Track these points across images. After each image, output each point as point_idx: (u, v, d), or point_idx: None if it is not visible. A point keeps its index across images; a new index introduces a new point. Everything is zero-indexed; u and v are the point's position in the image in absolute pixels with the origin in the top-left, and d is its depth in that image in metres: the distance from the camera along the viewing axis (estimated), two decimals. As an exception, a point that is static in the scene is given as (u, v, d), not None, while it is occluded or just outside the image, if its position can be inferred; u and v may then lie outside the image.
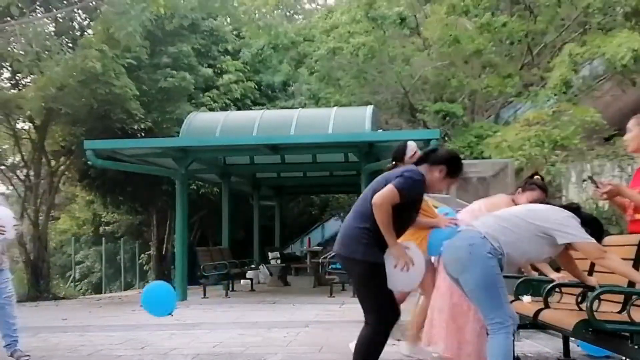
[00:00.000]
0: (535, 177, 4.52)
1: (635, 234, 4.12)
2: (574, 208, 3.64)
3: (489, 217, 3.65)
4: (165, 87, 14.73)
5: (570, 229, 3.39)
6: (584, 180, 7.97)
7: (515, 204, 4.32)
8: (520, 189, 4.47)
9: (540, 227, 3.43)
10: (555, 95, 11.72)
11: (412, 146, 4.84)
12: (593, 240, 3.40)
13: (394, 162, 4.86)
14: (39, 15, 12.07)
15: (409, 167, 3.77)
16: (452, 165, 3.78)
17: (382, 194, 3.55)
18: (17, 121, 15.29)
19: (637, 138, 4.22)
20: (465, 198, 7.06)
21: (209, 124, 13.07)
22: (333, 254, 3.81)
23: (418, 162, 3.83)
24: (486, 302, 3.42)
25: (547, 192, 4.52)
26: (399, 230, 3.70)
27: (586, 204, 7.48)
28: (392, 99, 16.98)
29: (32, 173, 15.18)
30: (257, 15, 11.85)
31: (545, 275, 4.25)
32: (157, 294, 5.64)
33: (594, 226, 3.62)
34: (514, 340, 4.96)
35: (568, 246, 3.49)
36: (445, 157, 3.80)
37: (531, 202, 4.28)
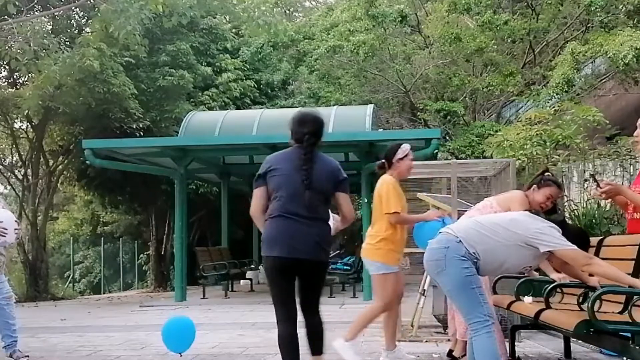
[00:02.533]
0: (547, 173, 4.43)
1: (634, 233, 4.11)
2: (559, 221, 3.67)
3: (469, 222, 3.70)
4: (163, 86, 14.67)
5: (551, 238, 3.44)
6: (586, 180, 7.91)
7: (530, 201, 4.28)
8: (535, 185, 4.34)
9: (521, 237, 3.47)
10: (557, 94, 11.67)
11: (404, 148, 4.99)
12: (575, 247, 3.44)
13: (383, 162, 5.05)
14: (36, 13, 11.99)
15: (336, 165, 3.92)
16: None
17: (350, 208, 3.98)
18: (15, 120, 15.24)
19: None
20: (467, 198, 7.01)
21: (208, 123, 13.01)
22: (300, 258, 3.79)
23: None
24: (463, 303, 3.50)
25: (562, 189, 4.48)
26: None
27: (587, 204, 7.42)
28: (392, 98, 16.94)
29: (30, 173, 15.13)
30: (256, 13, 11.74)
31: (547, 276, 4.21)
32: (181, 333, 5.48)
33: (580, 239, 3.65)
34: (514, 341, 4.97)
35: (550, 255, 3.50)
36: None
37: (548, 197, 4.24)
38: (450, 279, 3.47)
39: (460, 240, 3.48)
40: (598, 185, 4.15)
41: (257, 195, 3.80)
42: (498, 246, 3.48)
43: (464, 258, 3.43)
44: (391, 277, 4.85)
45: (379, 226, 4.87)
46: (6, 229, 5.21)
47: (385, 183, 4.90)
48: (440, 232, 3.69)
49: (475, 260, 3.46)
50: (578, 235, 3.70)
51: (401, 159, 4.93)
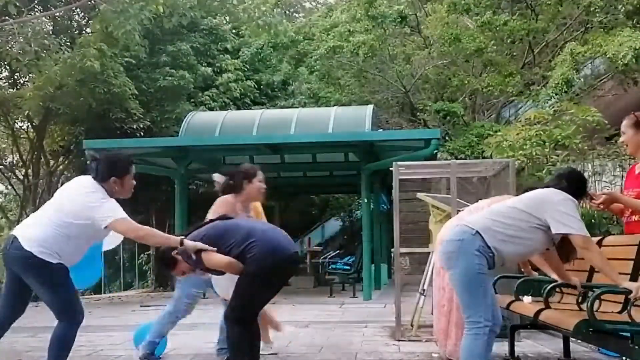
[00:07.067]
0: None
1: (631, 234, 4.11)
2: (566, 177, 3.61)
3: (485, 214, 3.61)
4: (164, 86, 14.69)
5: (561, 217, 3.34)
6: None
7: None
8: None
9: (538, 217, 3.40)
10: (556, 94, 11.66)
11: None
12: (585, 233, 3.37)
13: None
14: (37, 14, 12.03)
15: None
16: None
17: None
18: (16, 120, 15.28)
19: (632, 140, 4.20)
20: (466, 198, 7.03)
21: (208, 124, 13.03)
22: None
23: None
24: (465, 299, 3.45)
25: None
26: None
27: (587, 204, 7.41)
28: (392, 98, 16.96)
29: (30, 173, 15.15)
30: (256, 13, 11.77)
31: (546, 276, 4.22)
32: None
33: (572, 178, 3.61)
34: (514, 341, 4.98)
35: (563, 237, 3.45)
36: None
37: None
38: (460, 273, 3.40)
39: (476, 232, 3.38)
40: (591, 198, 4.14)
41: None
42: (516, 233, 3.42)
43: (477, 253, 3.34)
44: None
45: None
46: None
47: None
48: (457, 225, 3.61)
49: (491, 254, 3.37)
50: (568, 175, 3.65)
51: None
